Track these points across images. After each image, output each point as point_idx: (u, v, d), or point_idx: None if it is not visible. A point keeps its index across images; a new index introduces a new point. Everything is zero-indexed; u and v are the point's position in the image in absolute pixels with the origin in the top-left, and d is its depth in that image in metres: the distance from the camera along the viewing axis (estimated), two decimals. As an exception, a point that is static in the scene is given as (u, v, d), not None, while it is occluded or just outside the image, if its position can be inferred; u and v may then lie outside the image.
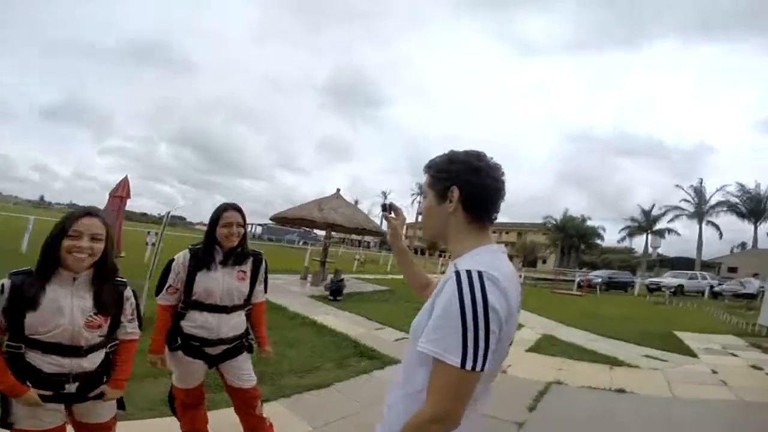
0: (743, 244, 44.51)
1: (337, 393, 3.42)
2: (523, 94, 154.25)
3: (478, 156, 0.95)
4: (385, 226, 1.40)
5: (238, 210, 2.00)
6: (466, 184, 0.92)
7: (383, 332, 5.77)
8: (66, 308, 1.39)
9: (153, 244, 8.47)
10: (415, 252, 48.70)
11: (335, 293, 8.20)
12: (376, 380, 3.83)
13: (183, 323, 1.96)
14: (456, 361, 0.76)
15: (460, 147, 1.00)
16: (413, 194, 55.13)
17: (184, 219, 55.45)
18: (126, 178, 6.71)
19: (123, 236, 6.60)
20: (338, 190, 10.86)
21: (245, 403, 2.15)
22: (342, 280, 8.66)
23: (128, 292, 1.60)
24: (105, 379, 1.56)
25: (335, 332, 5.33)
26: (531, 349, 5.66)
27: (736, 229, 55.67)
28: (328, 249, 11.17)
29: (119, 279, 1.58)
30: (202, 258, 1.94)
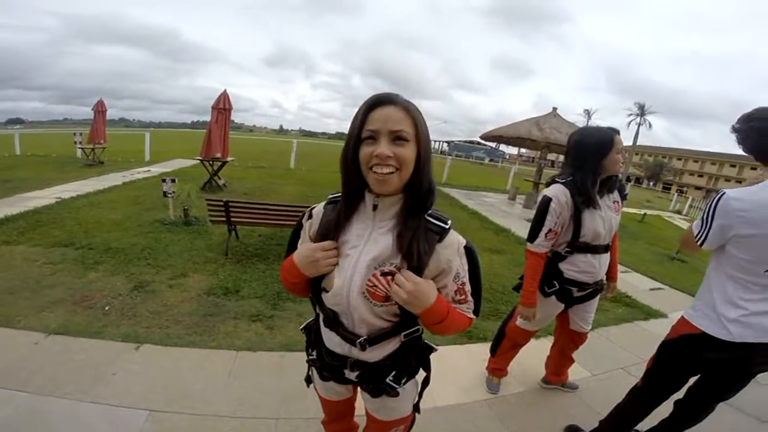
0: None
1: (605, 339, 3.15)
2: None
3: None
4: None
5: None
6: None
7: (630, 276, 4.99)
8: None
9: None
10: (628, 180, 40.90)
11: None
12: (643, 332, 3.36)
13: (563, 266, 1.78)
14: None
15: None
16: (630, 114, 49.38)
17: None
18: (225, 91, 7.32)
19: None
20: (555, 108, 9.74)
21: (575, 346, 2.07)
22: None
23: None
24: None
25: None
26: None
27: None
28: (543, 170, 10.28)
29: None
30: (585, 194, 1.66)
